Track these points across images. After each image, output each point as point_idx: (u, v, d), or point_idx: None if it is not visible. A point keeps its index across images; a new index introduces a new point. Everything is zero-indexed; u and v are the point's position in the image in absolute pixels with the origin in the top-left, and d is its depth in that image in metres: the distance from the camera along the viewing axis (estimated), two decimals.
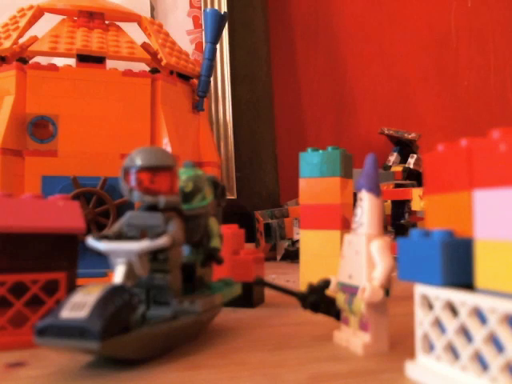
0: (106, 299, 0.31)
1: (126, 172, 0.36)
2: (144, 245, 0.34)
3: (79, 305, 0.31)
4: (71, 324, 0.30)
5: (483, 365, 0.27)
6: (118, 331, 0.31)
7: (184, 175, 0.41)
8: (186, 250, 0.41)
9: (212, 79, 1.05)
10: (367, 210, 0.37)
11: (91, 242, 0.35)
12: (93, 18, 0.79)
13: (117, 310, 0.31)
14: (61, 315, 0.30)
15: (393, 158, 1.26)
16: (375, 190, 0.37)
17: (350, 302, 0.36)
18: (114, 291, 0.32)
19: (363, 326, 0.36)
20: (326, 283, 0.39)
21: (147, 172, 0.36)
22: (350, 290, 0.37)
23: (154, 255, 0.36)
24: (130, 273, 0.35)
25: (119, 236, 0.36)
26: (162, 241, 0.34)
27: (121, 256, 0.35)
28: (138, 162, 0.36)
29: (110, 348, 0.30)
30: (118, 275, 0.34)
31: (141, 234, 0.36)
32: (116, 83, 0.74)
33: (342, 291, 0.38)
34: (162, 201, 0.36)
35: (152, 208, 0.37)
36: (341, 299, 0.38)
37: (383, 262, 0.35)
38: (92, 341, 0.29)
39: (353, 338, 0.37)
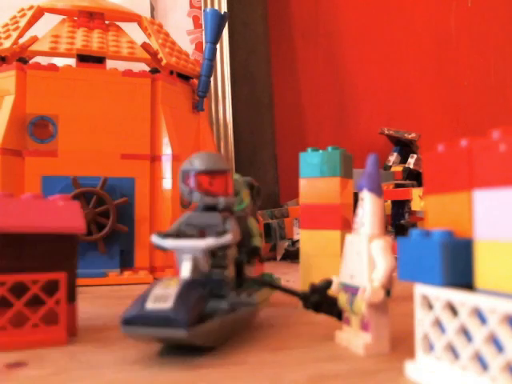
0: (186, 292, 0.34)
1: (186, 175, 0.39)
2: (210, 242, 0.37)
3: (162, 297, 0.33)
4: (158, 314, 0.32)
5: (483, 365, 0.27)
6: (199, 320, 0.33)
7: None
8: None
9: (212, 79, 1.05)
10: (369, 210, 0.37)
11: (156, 240, 0.38)
12: (93, 17, 0.79)
13: (196, 302, 0.34)
14: (146, 306, 0.33)
15: (393, 158, 1.26)
16: (377, 190, 0.37)
17: (351, 302, 0.36)
18: (191, 285, 0.35)
19: (364, 326, 0.36)
20: (328, 283, 0.39)
21: (206, 175, 0.39)
22: (352, 291, 0.37)
23: (212, 252, 0.38)
24: (195, 268, 0.37)
25: (178, 234, 0.39)
26: (226, 238, 0.37)
27: (187, 252, 0.37)
28: (197, 165, 0.39)
29: (194, 336, 0.32)
30: (185, 270, 0.37)
31: (199, 233, 0.39)
32: (116, 83, 0.74)
33: (343, 291, 0.38)
34: (221, 202, 0.39)
35: (209, 208, 0.40)
36: (342, 299, 0.38)
37: (384, 262, 0.35)
38: (179, 329, 0.32)
39: (354, 338, 0.37)
